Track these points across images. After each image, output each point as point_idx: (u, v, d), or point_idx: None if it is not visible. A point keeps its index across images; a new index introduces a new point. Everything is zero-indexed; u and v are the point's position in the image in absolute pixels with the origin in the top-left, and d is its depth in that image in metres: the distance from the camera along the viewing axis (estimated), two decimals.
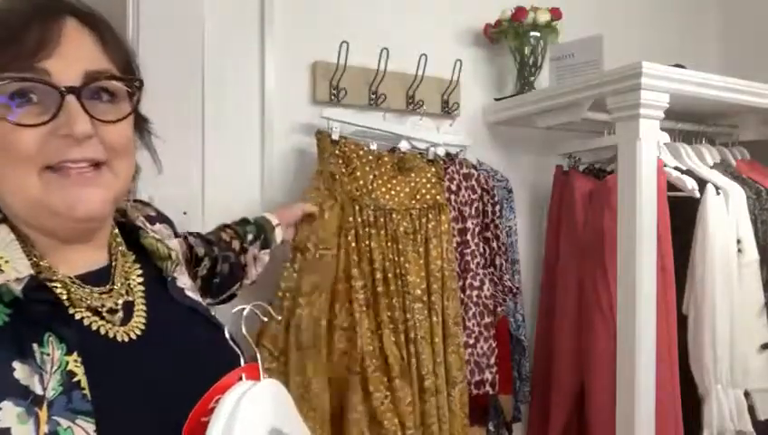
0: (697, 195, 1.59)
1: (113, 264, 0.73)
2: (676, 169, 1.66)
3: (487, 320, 1.59)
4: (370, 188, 1.49)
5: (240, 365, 0.67)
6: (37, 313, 0.60)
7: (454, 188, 1.61)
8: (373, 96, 1.66)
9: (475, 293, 1.57)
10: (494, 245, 1.64)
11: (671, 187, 1.58)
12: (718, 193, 1.61)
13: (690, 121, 1.80)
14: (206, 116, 1.48)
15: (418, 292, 1.46)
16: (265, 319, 0.79)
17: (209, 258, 1.09)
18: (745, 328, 1.61)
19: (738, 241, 1.61)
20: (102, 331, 0.66)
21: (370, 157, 1.52)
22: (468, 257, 1.58)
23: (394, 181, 1.54)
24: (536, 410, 1.84)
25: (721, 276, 1.58)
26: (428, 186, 1.56)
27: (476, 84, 1.88)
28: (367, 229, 1.45)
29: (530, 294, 1.92)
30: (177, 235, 0.94)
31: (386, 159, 1.55)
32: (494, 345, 1.58)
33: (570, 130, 1.89)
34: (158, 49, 1.39)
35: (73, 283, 0.67)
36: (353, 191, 1.47)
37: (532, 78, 1.84)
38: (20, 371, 0.57)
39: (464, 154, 1.71)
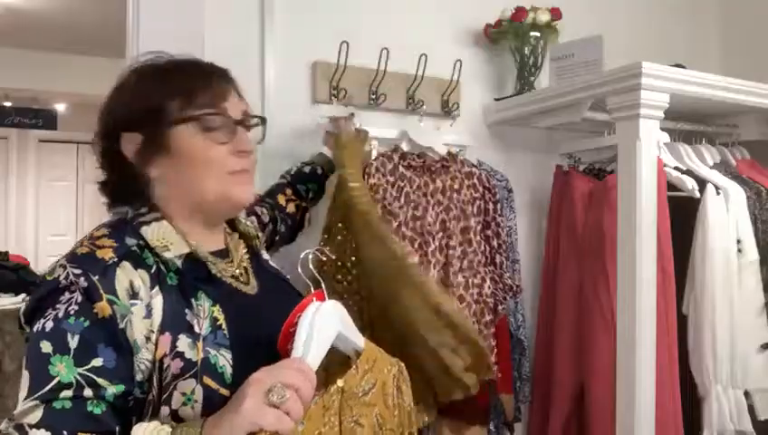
0: (697, 195, 1.59)
1: (228, 245, 1.02)
2: (676, 169, 1.66)
3: (487, 318, 1.59)
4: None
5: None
6: (192, 277, 0.90)
7: (456, 186, 1.61)
8: (373, 96, 1.66)
9: (476, 291, 1.57)
10: (495, 243, 1.64)
11: (671, 187, 1.58)
12: (718, 193, 1.61)
13: (690, 121, 1.80)
14: None
15: None
16: (324, 258, 1.13)
17: (272, 223, 1.34)
18: (745, 328, 1.61)
19: (738, 241, 1.61)
20: (236, 286, 0.97)
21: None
22: (471, 255, 1.58)
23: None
24: (536, 410, 1.84)
25: (721, 276, 1.58)
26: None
27: (476, 84, 1.88)
28: None
29: (530, 294, 1.92)
30: (251, 212, 1.24)
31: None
32: (492, 344, 1.58)
33: (570, 130, 1.89)
34: (158, 49, 1.39)
35: (212, 255, 0.96)
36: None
37: (532, 78, 1.84)
38: (189, 316, 0.86)
39: (464, 154, 1.71)
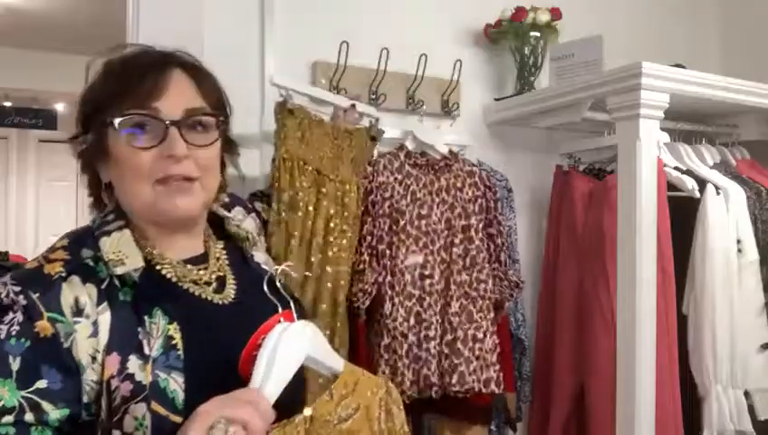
0: (697, 195, 1.59)
1: (207, 250, 0.97)
2: (676, 169, 1.66)
3: (492, 315, 1.59)
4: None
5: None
6: (149, 293, 0.84)
7: (459, 184, 1.61)
8: (373, 96, 1.66)
9: (482, 286, 1.57)
10: (498, 241, 1.64)
11: (671, 187, 1.58)
12: (718, 193, 1.61)
13: (690, 121, 1.80)
14: None
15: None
16: (294, 275, 1.06)
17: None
18: (745, 328, 1.61)
19: (738, 241, 1.61)
20: (203, 296, 0.90)
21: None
22: (474, 252, 1.58)
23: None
24: (537, 409, 1.84)
25: (721, 276, 1.58)
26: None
27: (476, 84, 1.88)
28: None
29: (530, 294, 1.92)
30: (250, 210, 1.17)
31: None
32: (496, 342, 1.58)
33: (570, 130, 1.89)
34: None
35: (179, 263, 0.91)
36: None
37: (532, 78, 1.84)
38: (141, 334, 0.81)
39: (464, 154, 1.71)
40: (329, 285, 1.37)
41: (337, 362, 0.91)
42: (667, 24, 2.21)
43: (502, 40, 1.85)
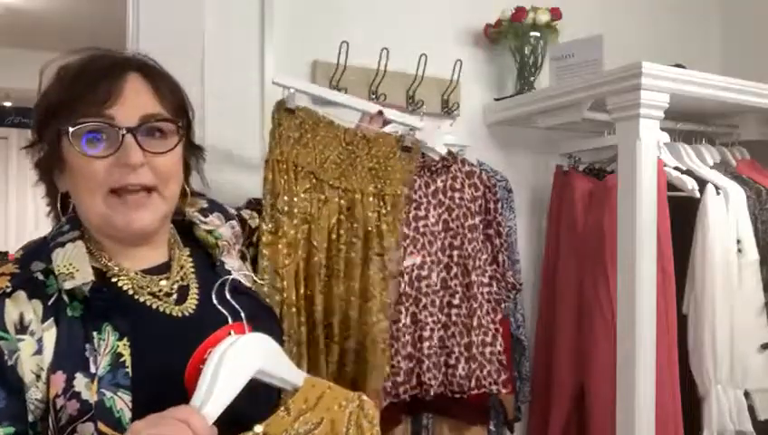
0: (697, 195, 1.59)
1: (171, 258, 0.93)
2: (676, 169, 1.66)
3: (499, 317, 1.59)
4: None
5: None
6: (99, 308, 0.80)
7: (458, 186, 1.61)
8: (373, 96, 1.66)
9: (486, 290, 1.57)
10: (497, 242, 1.64)
11: (671, 187, 1.58)
12: (718, 193, 1.61)
13: (690, 121, 1.80)
14: (206, 116, 1.47)
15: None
16: (259, 281, 1.04)
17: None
18: (745, 328, 1.61)
19: (738, 241, 1.62)
20: (161, 309, 0.86)
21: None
22: (475, 255, 1.58)
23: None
24: (536, 409, 1.84)
25: (721, 276, 1.58)
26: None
27: (476, 84, 1.88)
28: None
29: (530, 295, 1.92)
30: (229, 217, 1.11)
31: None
32: (502, 343, 1.58)
33: (570, 130, 1.89)
34: (157, 49, 1.38)
35: (137, 274, 0.87)
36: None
37: (532, 78, 1.84)
38: (88, 351, 0.78)
39: (464, 154, 1.71)
40: (340, 303, 1.27)
41: (296, 375, 0.87)
42: (667, 24, 2.21)
43: (502, 40, 1.85)
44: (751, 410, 1.61)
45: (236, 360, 0.76)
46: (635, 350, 1.44)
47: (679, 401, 1.55)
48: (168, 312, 0.87)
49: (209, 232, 0.99)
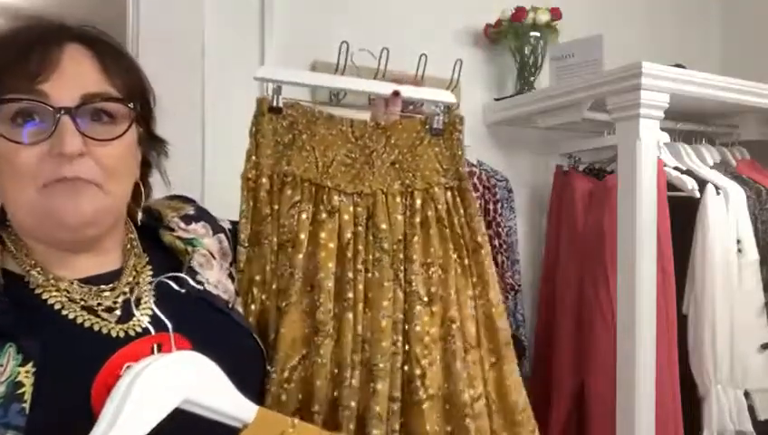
0: (697, 195, 1.59)
1: (123, 266, 0.75)
2: (676, 169, 1.66)
3: None
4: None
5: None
6: (6, 324, 0.62)
7: None
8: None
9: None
10: (496, 242, 1.64)
11: (671, 187, 1.58)
12: (718, 193, 1.61)
13: (690, 121, 1.80)
14: (205, 117, 1.48)
15: None
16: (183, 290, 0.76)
17: None
18: (745, 328, 1.61)
19: (738, 241, 1.61)
20: (96, 327, 0.68)
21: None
22: None
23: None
24: (536, 409, 1.83)
25: (721, 276, 1.58)
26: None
27: (476, 84, 1.88)
28: None
29: (530, 294, 1.92)
30: (218, 230, 0.93)
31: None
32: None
33: (570, 130, 1.89)
34: (157, 50, 1.39)
35: (72, 284, 0.70)
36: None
37: (532, 78, 1.84)
38: None
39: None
40: (367, 335, 0.92)
41: (244, 409, 0.67)
42: (666, 24, 2.21)
43: (502, 40, 1.85)
44: (751, 410, 1.61)
45: (150, 387, 0.59)
46: (635, 350, 1.44)
47: (679, 401, 1.55)
48: (104, 331, 0.68)
49: (185, 240, 0.83)
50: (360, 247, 0.97)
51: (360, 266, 0.95)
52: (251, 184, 1.00)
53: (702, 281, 1.58)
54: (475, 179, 1.65)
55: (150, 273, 0.77)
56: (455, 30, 1.86)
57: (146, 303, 0.73)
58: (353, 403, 0.88)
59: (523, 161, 1.95)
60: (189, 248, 0.82)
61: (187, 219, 0.88)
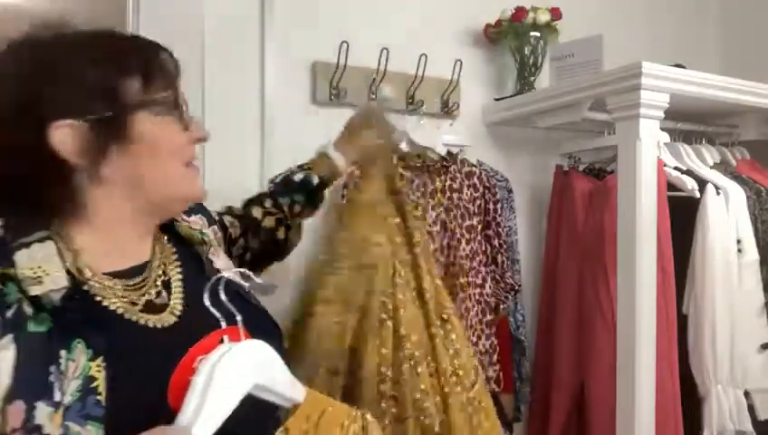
0: (697, 195, 1.59)
1: (152, 258, 0.81)
2: (676, 169, 1.66)
3: (489, 317, 1.59)
4: None
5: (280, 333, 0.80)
6: (71, 320, 0.67)
7: (456, 186, 1.61)
8: (373, 96, 1.66)
9: (477, 290, 1.57)
10: (496, 242, 1.64)
11: (671, 187, 1.58)
12: (718, 193, 1.61)
13: (690, 121, 1.80)
14: (205, 117, 1.48)
15: None
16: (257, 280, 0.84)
17: (243, 237, 1.11)
18: (745, 328, 1.61)
19: (738, 241, 1.62)
20: (135, 319, 0.73)
21: None
22: (472, 255, 1.58)
23: None
24: (536, 410, 1.84)
25: (721, 276, 1.58)
26: None
27: (476, 84, 1.88)
28: None
29: (530, 294, 1.92)
30: (212, 221, 1.01)
31: None
32: (495, 343, 1.58)
33: (570, 130, 1.89)
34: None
35: (114, 278, 0.75)
36: None
37: (533, 78, 1.84)
38: (53, 375, 0.64)
39: (464, 154, 1.71)
40: None
41: (297, 390, 0.77)
42: (666, 24, 2.21)
43: (502, 40, 1.85)
44: (751, 410, 1.61)
45: (231, 372, 0.65)
46: (635, 350, 1.44)
47: (679, 401, 1.55)
48: (143, 322, 0.74)
49: (190, 227, 0.90)
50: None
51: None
52: None
53: (702, 281, 1.58)
54: (475, 179, 1.65)
55: (178, 263, 0.83)
56: (455, 30, 1.86)
57: (177, 295, 0.79)
58: None
59: (523, 161, 1.95)
60: (206, 239, 0.89)
61: (187, 212, 0.94)
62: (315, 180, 1.19)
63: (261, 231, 1.14)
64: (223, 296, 0.75)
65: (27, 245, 0.70)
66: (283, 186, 1.20)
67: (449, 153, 1.67)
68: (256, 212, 1.15)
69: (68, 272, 0.70)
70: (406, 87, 1.70)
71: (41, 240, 0.71)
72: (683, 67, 1.56)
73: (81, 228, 0.75)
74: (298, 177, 1.19)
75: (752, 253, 1.63)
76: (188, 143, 0.81)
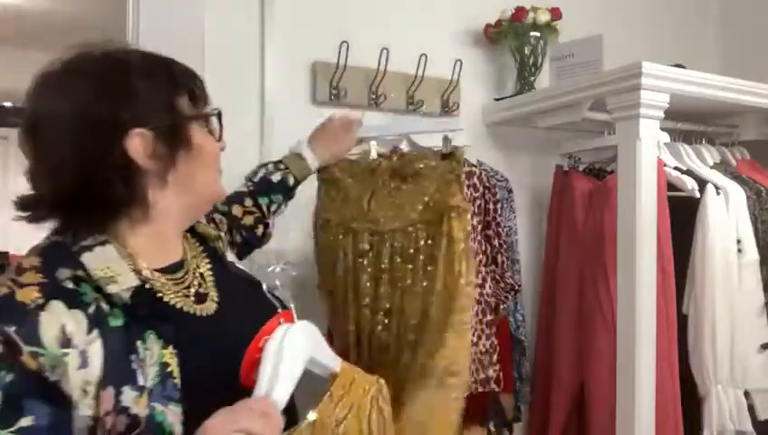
0: (697, 195, 1.59)
1: (186, 254, 0.91)
2: (676, 169, 1.66)
3: (489, 318, 1.58)
4: (368, 208, 1.30)
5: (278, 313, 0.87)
6: (141, 315, 0.76)
7: None
8: (373, 96, 1.66)
9: (476, 291, 1.57)
10: (496, 242, 1.63)
11: (671, 187, 1.58)
12: (718, 193, 1.61)
13: (690, 121, 1.80)
14: None
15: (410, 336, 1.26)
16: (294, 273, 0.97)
17: (229, 232, 1.20)
18: (745, 328, 1.61)
19: (738, 241, 1.61)
20: (186, 309, 0.83)
21: (363, 169, 1.34)
22: (471, 255, 1.57)
23: (396, 194, 1.31)
24: (536, 410, 1.84)
25: (721, 276, 1.58)
26: (441, 189, 1.27)
27: (476, 84, 1.88)
28: (359, 259, 1.30)
29: (530, 294, 1.92)
30: (209, 220, 1.09)
31: (383, 166, 1.33)
32: (495, 343, 1.58)
33: (570, 130, 1.89)
34: (157, 49, 1.39)
35: (162, 275, 0.84)
36: (348, 219, 1.31)
37: (533, 78, 1.84)
38: (134, 363, 0.74)
39: (464, 154, 1.71)
40: None
41: (335, 361, 0.88)
42: (666, 24, 2.21)
43: (502, 40, 1.85)
44: (751, 410, 1.61)
45: (294, 348, 0.76)
46: (635, 350, 1.44)
47: (679, 401, 1.55)
48: (192, 312, 0.84)
49: (205, 226, 1.00)
50: None
51: None
52: None
53: (702, 281, 1.58)
54: (475, 179, 1.64)
55: (205, 256, 0.94)
56: (455, 30, 1.87)
57: (210, 286, 0.90)
58: None
59: (523, 161, 1.95)
60: (222, 235, 1.00)
61: None
62: (291, 181, 1.29)
63: (242, 228, 1.23)
64: (265, 287, 0.90)
65: (90, 248, 0.78)
66: (262, 186, 1.28)
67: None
68: (236, 210, 1.23)
69: (132, 271, 0.79)
70: (406, 87, 1.70)
71: (102, 244, 0.79)
72: (683, 67, 1.56)
73: (134, 230, 0.83)
74: (276, 177, 1.28)
75: (752, 253, 1.63)
76: (220, 151, 0.92)
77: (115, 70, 0.82)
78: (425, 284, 1.25)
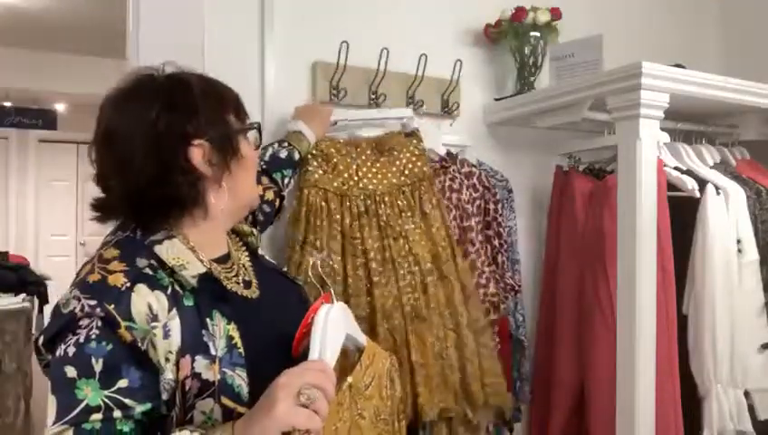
0: (697, 195, 1.59)
1: (230, 248, 1.04)
2: (676, 169, 1.66)
3: (492, 317, 1.59)
4: (357, 177, 1.50)
5: (310, 300, 1.06)
6: (207, 296, 0.91)
7: (456, 186, 1.61)
8: (373, 96, 1.66)
9: (481, 291, 1.57)
10: (496, 243, 1.64)
11: (671, 187, 1.58)
12: (718, 193, 1.61)
13: (690, 121, 1.80)
14: None
15: (428, 265, 1.46)
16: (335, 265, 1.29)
17: (252, 214, 1.33)
18: (745, 328, 1.61)
19: (738, 241, 1.61)
20: (240, 293, 0.98)
21: (348, 148, 1.54)
22: (473, 256, 1.58)
23: (378, 165, 1.54)
24: (536, 409, 1.84)
25: (721, 276, 1.58)
26: (413, 159, 1.55)
27: (476, 84, 1.88)
28: (357, 221, 1.46)
29: (530, 294, 1.92)
30: None
31: (363, 145, 1.55)
32: (496, 340, 1.58)
33: (570, 130, 1.89)
34: (157, 49, 1.39)
35: (216, 265, 0.97)
36: (340, 186, 1.48)
37: (533, 78, 1.84)
38: (205, 336, 0.88)
39: (464, 154, 1.71)
40: None
41: (362, 336, 1.04)
42: (666, 24, 2.21)
43: (502, 40, 1.85)
44: (751, 409, 1.61)
45: (335, 323, 0.91)
46: (635, 350, 1.44)
47: (679, 401, 1.55)
48: (244, 295, 0.98)
49: (240, 223, 1.11)
50: None
51: None
52: None
53: (702, 281, 1.58)
54: (475, 179, 1.65)
55: (244, 250, 1.09)
56: (455, 30, 1.87)
57: (251, 275, 1.04)
58: None
59: (523, 161, 1.95)
60: (254, 230, 1.12)
61: None
62: (297, 156, 1.45)
63: (264, 203, 1.36)
64: (311, 273, 1.10)
65: (160, 242, 0.91)
66: (273, 163, 1.42)
67: (449, 153, 1.67)
68: (259, 189, 1.35)
69: (198, 260, 0.92)
70: (406, 87, 1.70)
71: (169, 238, 0.92)
72: (683, 67, 1.56)
73: (192, 227, 0.95)
74: (283, 154, 1.44)
75: (752, 253, 1.63)
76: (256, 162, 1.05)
77: (180, 90, 0.94)
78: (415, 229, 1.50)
